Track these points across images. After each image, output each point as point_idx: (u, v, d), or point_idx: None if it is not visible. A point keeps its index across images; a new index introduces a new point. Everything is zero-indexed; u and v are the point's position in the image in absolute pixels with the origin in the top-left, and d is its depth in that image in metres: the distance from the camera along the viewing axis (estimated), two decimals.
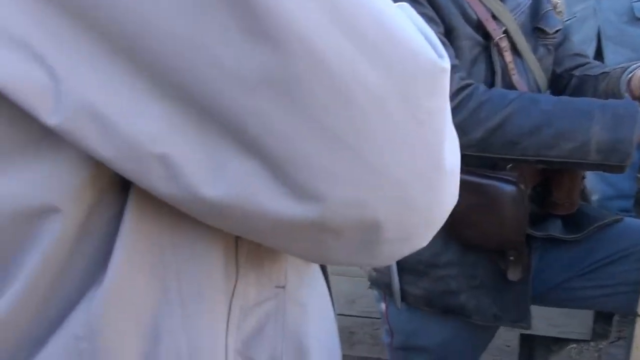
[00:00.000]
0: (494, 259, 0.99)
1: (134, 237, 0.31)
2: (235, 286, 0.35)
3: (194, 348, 0.32)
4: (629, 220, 1.09)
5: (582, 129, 0.85)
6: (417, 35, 0.30)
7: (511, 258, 0.97)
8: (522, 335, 1.81)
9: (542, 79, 1.04)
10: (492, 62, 0.97)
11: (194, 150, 0.27)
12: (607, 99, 0.93)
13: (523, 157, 0.88)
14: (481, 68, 0.96)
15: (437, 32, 0.91)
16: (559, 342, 1.86)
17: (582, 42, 1.81)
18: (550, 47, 1.08)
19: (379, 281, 1.06)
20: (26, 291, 0.30)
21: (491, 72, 0.97)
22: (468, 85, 0.89)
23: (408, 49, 0.28)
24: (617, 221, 1.05)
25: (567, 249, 1.06)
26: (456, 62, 0.92)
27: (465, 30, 0.94)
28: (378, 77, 0.27)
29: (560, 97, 0.91)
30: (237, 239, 0.34)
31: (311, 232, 0.29)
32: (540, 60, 1.04)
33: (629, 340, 1.19)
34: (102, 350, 0.30)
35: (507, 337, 1.79)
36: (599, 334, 1.83)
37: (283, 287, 0.38)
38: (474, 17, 0.95)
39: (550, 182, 1.03)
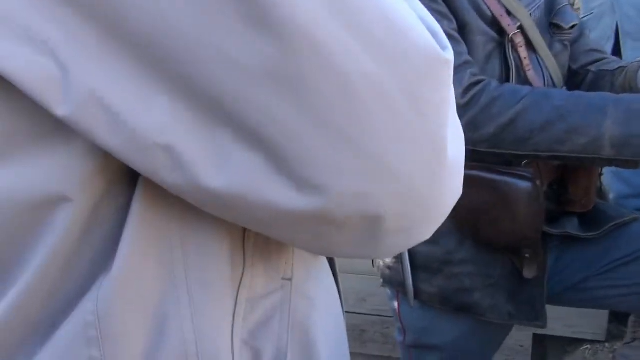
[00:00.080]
0: (509, 256, 0.98)
1: (142, 227, 0.31)
2: (242, 277, 0.35)
3: (201, 337, 0.33)
4: None
5: (595, 123, 0.84)
6: (420, 26, 0.29)
7: (527, 256, 0.97)
8: (535, 335, 1.80)
9: (557, 75, 1.03)
10: (506, 58, 0.96)
11: (199, 141, 0.27)
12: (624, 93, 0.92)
13: (536, 153, 0.88)
14: (495, 64, 0.96)
15: (450, 28, 0.90)
16: (573, 343, 1.84)
17: (599, 39, 1.78)
18: (566, 43, 1.06)
19: (392, 279, 1.05)
20: (37, 279, 0.31)
21: (506, 68, 0.96)
22: (480, 81, 0.89)
23: (411, 42, 0.28)
24: (635, 220, 1.04)
25: (584, 249, 1.05)
26: (469, 58, 0.91)
27: (478, 26, 0.93)
28: (381, 70, 0.27)
29: (573, 92, 0.90)
30: (245, 230, 0.35)
31: (314, 224, 0.29)
32: (556, 56, 1.03)
33: None
34: (110, 338, 0.31)
35: (520, 337, 1.77)
36: (613, 335, 1.81)
37: (290, 279, 0.38)
38: (488, 13, 0.95)
39: (567, 179, 1.02)
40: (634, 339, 1.69)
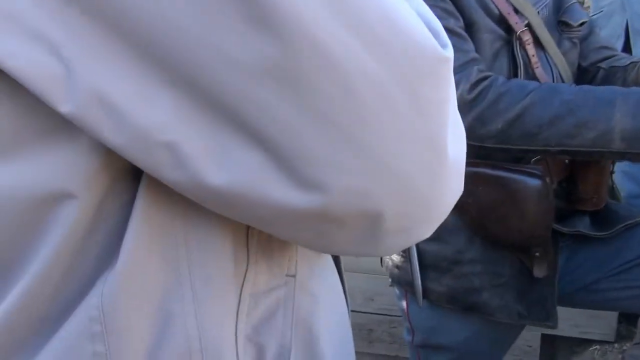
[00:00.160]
0: (519, 255, 0.98)
1: (146, 223, 0.31)
2: (245, 273, 0.35)
3: (204, 333, 0.33)
4: None
5: (605, 117, 0.84)
6: (420, 25, 0.30)
7: (536, 254, 0.96)
8: (543, 335, 1.79)
9: (567, 72, 1.03)
10: (514, 56, 0.96)
11: (201, 139, 0.28)
12: None
13: (545, 148, 0.87)
14: (503, 62, 0.95)
15: (456, 26, 0.90)
16: (582, 343, 1.83)
17: (609, 37, 1.77)
18: (575, 41, 1.06)
19: (401, 279, 1.05)
20: (42, 275, 0.31)
21: (514, 66, 0.96)
22: (487, 77, 0.89)
23: (411, 41, 0.28)
24: None
25: (596, 249, 1.04)
26: (476, 55, 0.91)
27: (486, 24, 0.93)
28: (381, 69, 0.28)
29: (582, 86, 0.90)
30: (248, 227, 0.35)
31: (315, 222, 0.29)
32: (565, 54, 1.02)
33: None
34: (114, 332, 0.31)
35: (528, 338, 1.76)
36: (622, 336, 1.80)
37: (293, 276, 0.38)
38: (496, 11, 0.95)
39: (576, 177, 1.01)
40: None
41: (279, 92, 0.27)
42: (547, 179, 0.92)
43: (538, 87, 0.88)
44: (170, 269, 0.32)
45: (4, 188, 0.30)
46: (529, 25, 0.97)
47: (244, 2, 0.26)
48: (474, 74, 0.88)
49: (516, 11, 0.96)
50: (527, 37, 0.95)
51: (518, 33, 0.95)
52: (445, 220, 0.34)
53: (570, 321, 1.74)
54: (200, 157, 0.28)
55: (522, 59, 0.95)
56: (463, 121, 0.35)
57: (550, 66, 1.00)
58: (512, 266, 0.98)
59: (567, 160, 1.00)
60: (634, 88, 0.89)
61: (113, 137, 0.28)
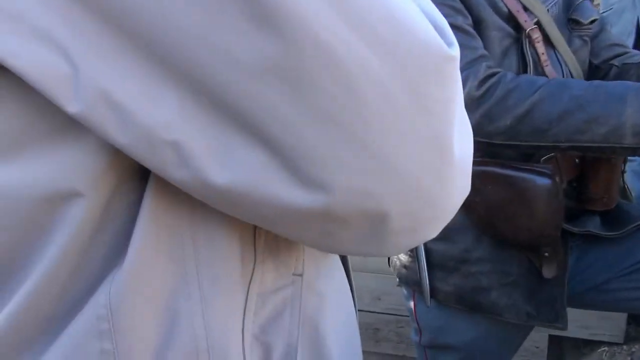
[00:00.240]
0: (527, 255, 0.97)
1: (153, 222, 0.32)
2: (253, 272, 0.35)
3: (211, 331, 0.33)
4: None
5: (616, 112, 0.83)
6: (425, 23, 0.29)
7: (546, 254, 0.95)
8: (551, 336, 1.78)
9: (577, 70, 1.02)
10: (524, 54, 0.95)
11: (204, 138, 0.28)
12: None
13: (554, 144, 0.86)
14: (512, 60, 0.95)
15: (465, 23, 0.90)
16: (590, 345, 1.82)
17: (620, 34, 1.76)
18: (586, 39, 1.05)
19: (409, 278, 1.05)
20: (50, 274, 0.31)
21: (523, 64, 0.95)
22: (495, 73, 0.88)
23: (415, 39, 0.28)
24: None
25: (607, 249, 1.03)
26: (485, 52, 0.91)
27: (494, 22, 0.92)
28: (385, 68, 0.27)
29: (592, 81, 0.89)
30: (256, 226, 0.35)
31: (318, 221, 0.29)
32: (575, 52, 1.02)
33: None
34: (122, 331, 0.32)
35: (535, 338, 1.76)
36: (631, 337, 1.79)
37: (300, 275, 0.38)
38: (504, 9, 0.94)
39: (587, 176, 1.00)
40: None
41: (282, 91, 0.27)
42: (557, 178, 0.91)
43: (547, 83, 0.87)
44: (177, 268, 0.33)
45: (12, 187, 0.30)
46: (538, 23, 0.96)
47: (246, 1, 0.26)
48: (482, 70, 0.87)
49: (525, 9, 0.96)
50: (536, 35, 0.95)
51: (527, 31, 0.94)
52: (453, 219, 0.34)
53: (579, 322, 1.73)
54: (203, 156, 0.28)
55: (532, 57, 0.95)
56: (471, 118, 0.35)
57: (560, 64, 1.00)
58: (521, 265, 0.98)
59: (577, 160, 0.99)
60: None
61: (119, 136, 0.28)
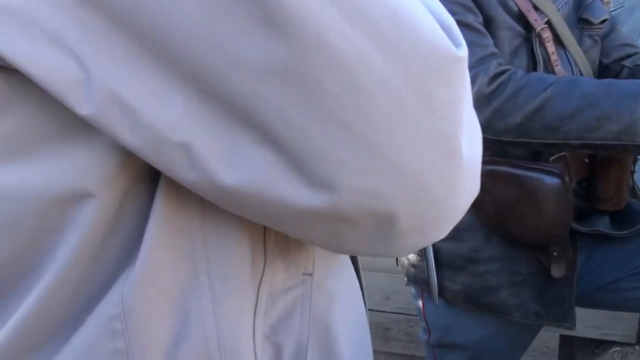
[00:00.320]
0: (536, 254, 0.97)
1: (164, 222, 0.32)
2: (263, 272, 0.35)
3: (222, 331, 0.33)
4: None
5: (628, 110, 0.83)
6: (431, 23, 0.29)
7: (554, 254, 0.95)
8: (562, 336, 1.77)
9: (587, 70, 1.01)
10: (534, 53, 0.94)
11: (213, 139, 0.28)
12: None
13: (565, 141, 0.86)
14: (522, 59, 0.94)
15: (475, 22, 0.89)
16: (601, 345, 1.80)
17: (631, 32, 1.74)
18: (597, 38, 1.04)
19: (417, 277, 1.05)
20: (62, 275, 0.31)
21: (533, 63, 0.95)
22: (506, 70, 0.88)
23: (421, 39, 0.28)
24: None
25: (616, 248, 1.03)
26: (495, 49, 0.91)
27: (504, 21, 0.92)
28: (391, 69, 0.27)
29: (602, 80, 0.88)
30: (265, 226, 0.35)
31: (326, 221, 0.29)
32: (585, 51, 1.01)
33: None
34: (134, 330, 0.32)
35: (546, 338, 1.75)
36: None
37: (310, 274, 0.38)
38: (515, 8, 0.94)
39: (597, 176, 1.00)
40: None
41: (287, 92, 0.27)
42: (566, 178, 0.90)
43: (558, 81, 0.87)
44: (188, 268, 0.33)
45: (25, 189, 0.30)
46: (548, 23, 0.96)
47: (251, 2, 0.26)
48: (493, 67, 0.87)
49: (536, 8, 0.95)
50: (546, 35, 0.94)
51: (537, 30, 0.94)
52: (462, 219, 0.34)
53: (590, 322, 1.71)
54: (212, 157, 0.28)
55: (542, 57, 0.94)
56: (481, 115, 0.35)
57: (570, 64, 0.99)
58: (530, 264, 0.97)
59: (586, 159, 0.98)
60: None
61: (129, 138, 0.28)
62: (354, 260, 0.46)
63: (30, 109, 0.30)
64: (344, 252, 0.35)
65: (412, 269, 1.05)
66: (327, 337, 0.39)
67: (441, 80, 0.29)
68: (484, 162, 0.82)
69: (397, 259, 1.12)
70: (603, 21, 1.04)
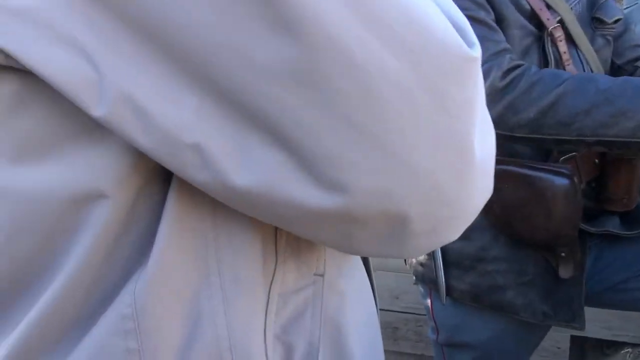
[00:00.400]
0: (544, 254, 0.96)
1: (176, 223, 0.32)
2: (274, 272, 0.35)
3: (233, 331, 0.33)
4: None
5: None
6: (444, 23, 0.29)
7: (562, 254, 0.94)
8: (573, 337, 1.75)
9: (599, 70, 1.00)
10: (545, 53, 0.94)
11: (224, 140, 0.28)
12: None
13: (578, 138, 0.85)
14: (533, 59, 0.94)
15: (487, 18, 0.89)
16: (613, 346, 1.79)
17: None
18: (609, 38, 1.03)
19: (425, 276, 1.05)
20: (75, 275, 0.32)
21: (544, 62, 0.94)
22: (519, 65, 0.87)
23: (433, 39, 0.28)
24: None
25: (625, 248, 1.02)
26: (507, 45, 0.90)
27: (516, 19, 0.92)
28: (403, 69, 0.27)
29: (618, 77, 0.87)
30: (277, 227, 0.35)
31: (337, 222, 0.29)
32: (598, 51, 1.00)
33: None
34: (147, 330, 0.32)
35: (557, 339, 1.73)
36: None
37: (322, 275, 0.38)
38: (527, 6, 0.93)
39: (607, 177, 0.99)
40: None
41: (299, 93, 0.27)
42: (576, 179, 0.90)
43: (572, 77, 0.87)
44: (200, 268, 0.33)
45: (38, 190, 0.31)
46: (561, 22, 0.95)
47: (262, 3, 0.26)
48: (506, 62, 0.86)
49: (548, 7, 0.95)
50: (559, 34, 0.94)
51: (549, 29, 0.93)
52: None
53: (602, 322, 1.70)
54: (223, 158, 0.28)
55: (553, 56, 0.94)
56: (493, 110, 0.35)
57: (582, 63, 0.99)
58: (538, 265, 0.97)
59: (596, 160, 0.97)
60: None
61: (142, 139, 0.28)
62: (365, 261, 0.46)
63: (45, 111, 0.30)
64: (355, 253, 0.35)
65: (420, 268, 1.05)
66: (339, 337, 0.39)
67: (454, 80, 0.29)
68: None
69: (405, 259, 1.11)
70: (616, 21, 1.03)
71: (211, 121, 0.28)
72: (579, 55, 0.98)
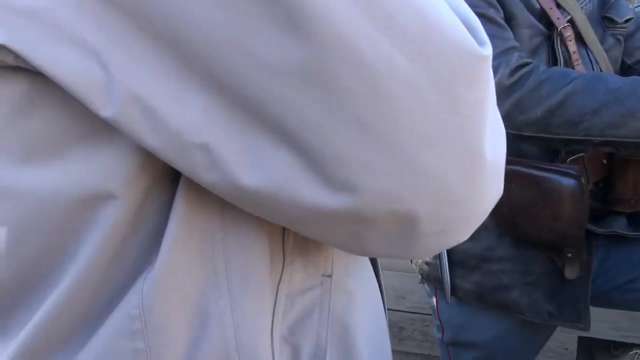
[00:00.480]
0: (550, 255, 0.96)
1: (184, 223, 0.32)
2: (282, 273, 0.35)
3: (240, 332, 0.33)
4: None
5: None
6: (455, 22, 0.29)
7: (569, 255, 0.94)
8: (580, 338, 1.75)
9: (609, 69, 1.00)
10: (554, 52, 0.93)
11: (232, 140, 0.28)
12: None
13: (586, 138, 0.84)
14: (542, 58, 0.93)
15: (496, 16, 0.88)
16: (621, 347, 1.78)
17: None
18: (620, 38, 1.03)
19: (430, 275, 1.05)
20: (84, 275, 0.32)
21: (553, 62, 0.94)
22: (528, 63, 0.87)
23: (444, 38, 0.28)
24: None
25: (632, 249, 1.02)
26: (516, 43, 0.89)
27: (525, 18, 0.91)
28: (413, 68, 0.27)
29: (628, 77, 0.86)
30: (285, 227, 0.34)
31: (346, 222, 0.29)
32: (608, 51, 1.00)
33: None
34: (154, 330, 0.32)
35: (564, 339, 1.73)
36: None
37: (330, 276, 0.38)
38: (537, 5, 0.93)
39: (614, 178, 0.98)
40: None
41: (307, 92, 0.27)
42: (583, 179, 0.89)
43: (581, 75, 0.86)
44: (208, 268, 0.33)
45: (48, 191, 0.31)
46: (571, 21, 0.94)
47: (270, 3, 0.26)
48: (515, 59, 0.86)
49: (558, 6, 0.94)
50: (568, 34, 0.93)
51: (559, 29, 0.92)
52: None
53: (610, 323, 1.69)
54: (232, 158, 0.28)
55: (562, 55, 0.93)
56: (501, 107, 0.34)
57: (592, 63, 0.98)
58: (543, 265, 0.97)
59: (604, 160, 0.97)
60: None
61: (150, 139, 0.28)
62: (373, 261, 0.46)
63: (54, 111, 0.30)
64: (364, 254, 0.35)
65: (425, 267, 1.05)
66: (346, 338, 0.38)
67: (464, 78, 0.28)
68: None
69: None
70: (627, 20, 1.02)
71: (219, 121, 0.28)
72: (588, 55, 0.98)
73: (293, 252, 0.36)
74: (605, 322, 1.66)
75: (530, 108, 0.85)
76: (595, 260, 1.00)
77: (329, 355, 0.37)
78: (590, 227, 0.95)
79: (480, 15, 0.86)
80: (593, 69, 0.98)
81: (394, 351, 0.46)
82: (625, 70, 1.07)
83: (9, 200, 0.31)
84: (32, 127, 0.30)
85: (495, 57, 0.86)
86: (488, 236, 0.97)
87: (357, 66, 0.26)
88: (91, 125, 0.30)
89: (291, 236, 0.35)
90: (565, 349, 1.75)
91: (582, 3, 0.97)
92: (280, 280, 0.35)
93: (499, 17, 0.89)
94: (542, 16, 0.93)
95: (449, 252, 0.99)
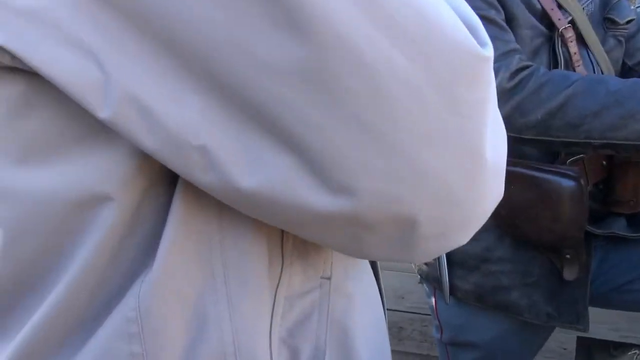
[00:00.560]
0: (549, 256, 0.96)
1: (182, 225, 0.32)
2: (280, 276, 0.35)
3: (238, 335, 0.33)
4: None
5: None
6: (456, 22, 0.28)
7: (567, 256, 0.94)
8: (579, 338, 1.75)
9: (610, 71, 1.00)
10: (555, 53, 0.93)
11: (230, 141, 0.28)
12: None
13: (587, 140, 0.84)
14: (543, 59, 0.93)
15: (498, 17, 0.88)
16: (620, 347, 1.78)
17: None
18: (621, 39, 1.03)
19: (429, 275, 1.05)
20: (80, 277, 0.32)
21: (554, 63, 0.94)
22: (528, 66, 0.87)
23: (445, 38, 0.28)
24: None
25: (631, 250, 1.02)
26: (517, 45, 0.90)
27: (526, 19, 0.91)
28: (413, 68, 0.27)
29: (628, 78, 0.86)
30: (283, 230, 0.34)
31: (345, 225, 0.29)
32: (609, 52, 1.00)
33: None
34: (151, 333, 0.32)
35: (563, 340, 1.73)
36: None
37: (329, 278, 0.38)
38: (538, 6, 0.93)
39: (614, 179, 0.99)
40: None
41: (307, 92, 0.26)
42: (582, 181, 0.89)
43: (582, 78, 0.86)
44: (205, 271, 0.33)
45: (45, 192, 0.30)
46: (572, 22, 0.94)
47: (270, 3, 0.26)
48: (515, 62, 0.86)
49: (560, 7, 0.94)
50: (569, 34, 0.93)
51: (560, 30, 0.92)
52: None
53: (609, 324, 1.69)
54: (230, 160, 0.28)
55: (563, 57, 0.93)
56: (501, 110, 0.34)
57: (593, 64, 0.98)
58: (543, 266, 0.97)
59: (604, 162, 0.97)
60: None
61: (148, 141, 0.28)
62: (373, 263, 0.45)
63: (51, 112, 0.30)
64: (364, 257, 0.35)
65: (424, 267, 1.06)
66: (345, 340, 0.38)
67: (465, 79, 0.28)
68: None
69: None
70: (629, 21, 1.02)
71: (217, 122, 0.27)
72: (589, 56, 0.98)
73: (292, 254, 0.36)
74: (604, 323, 1.66)
75: (530, 111, 0.85)
76: (595, 261, 1.00)
77: (328, 358, 0.37)
78: (590, 228, 0.95)
79: (482, 17, 0.86)
80: (594, 70, 0.98)
81: (393, 351, 0.46)
82: (626, 71, 1.07)
83: (5, 201, 0.31)
84: (29, 128, 0.30)
85: (495, 60, 0.86)
86: (487, 237, 0.97)
87: (357, 66, 0.26)
88: (88, 126, 0.30)
89: (290, 238, 0.35)
90: (564, 349, 1.75)
91: (583, 4, 0.97)
92: (279, 282, 0.35)
93: (500, 18, 0.89)
94: (543, 17, 0.93)
95: (448, 252, 0.99)
